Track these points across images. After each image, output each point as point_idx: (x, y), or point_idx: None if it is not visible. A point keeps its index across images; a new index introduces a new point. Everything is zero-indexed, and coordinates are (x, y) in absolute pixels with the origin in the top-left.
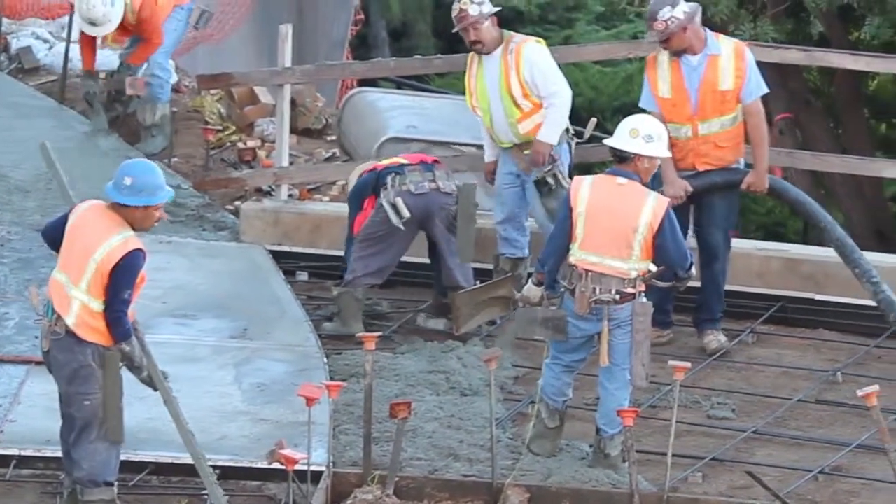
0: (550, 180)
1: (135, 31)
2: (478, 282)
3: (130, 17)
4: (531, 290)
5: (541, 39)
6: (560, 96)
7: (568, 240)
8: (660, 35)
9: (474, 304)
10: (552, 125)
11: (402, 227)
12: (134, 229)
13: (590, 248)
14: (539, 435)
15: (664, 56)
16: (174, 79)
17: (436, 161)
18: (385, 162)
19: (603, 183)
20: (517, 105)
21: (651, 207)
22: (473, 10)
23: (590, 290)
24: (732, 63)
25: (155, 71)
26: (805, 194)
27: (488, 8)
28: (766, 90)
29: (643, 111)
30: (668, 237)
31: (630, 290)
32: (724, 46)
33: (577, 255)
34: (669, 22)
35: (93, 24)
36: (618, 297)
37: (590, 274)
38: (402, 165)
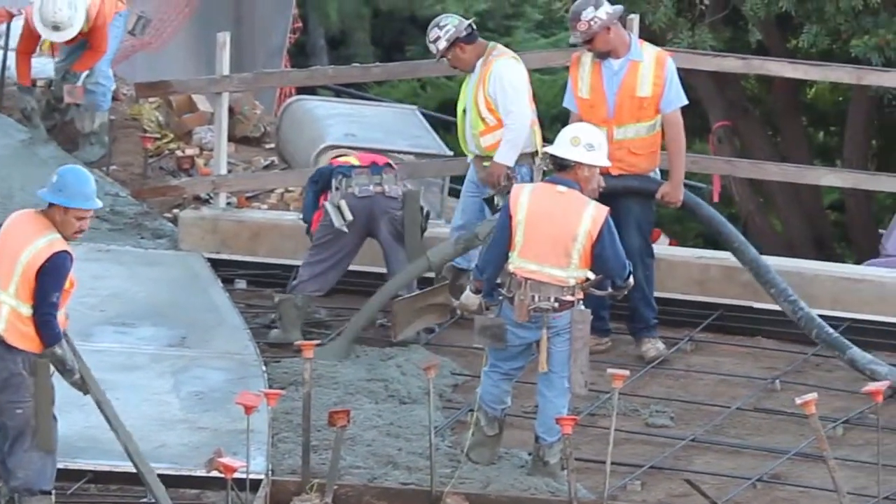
0: (499, 201)
1: (85, 39)
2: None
3: (84, 26)
4: (469, 298)
5: (517, 56)
6: (515, 117)
7: (507, 248)
8: (583, 35)
9: (412, 311)
10: (507, 146)
11: (346, 230)
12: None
13: (529, 256)
14: (478, 443)
15: (587, 57)
16: (113, 87)
17: (388, 164)
18: (340, 159)
19: (543, 191)
20: (482, 118)
21: (591, 216)
22: (439, 44)
23: (529, 297)
24: (652, 71)
25: (99, 79)
26: (717, 213)
27: (454, 33)
28: (685, 101)
29: (569, 114)
30: (608, 246)
31: (569, 298)
32: (647, 54)
33: (516, 263)
34: (592, 22)
35: (56, 28)
36: (556, 304)
37: (529, 282)
38: (353, 167)
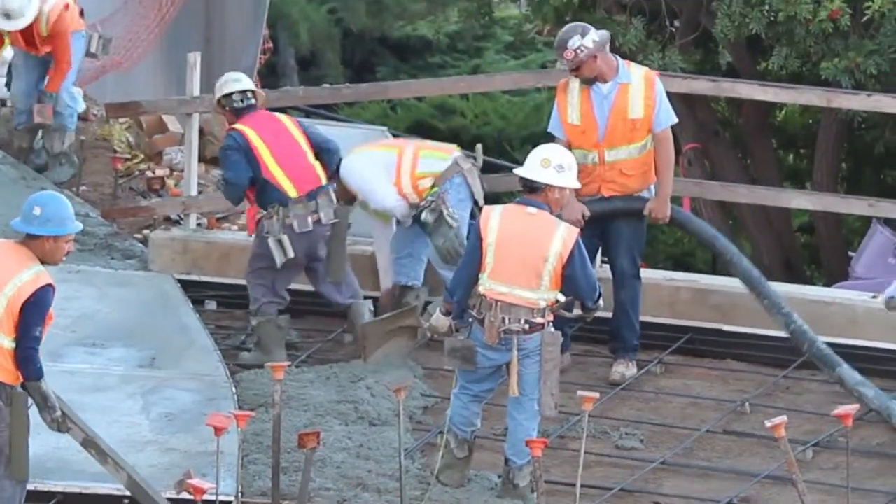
0: (426, 217)
1: (45, 46)
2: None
3: (43, 27)
4: (439, 320)
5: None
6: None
7: (477, 269)
8: (569, 64)
9: (381, 333)
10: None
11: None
12: (43, 263)
13: (499, 278)
14: (448, 465)
15: (575, 83)
16: (82, 107)
17: (321, 188)
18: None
19: (513, 213)
20: None
21: (561, 237)
22: None
23: (499, 319)
24: (642, 92)
25: (66, 100)
26: (709, 226)
27: None
28: (675, 119)
29: (553, 139)
30: (578, 267)
31: (539, 320)
32: (635, 75)
33: (486, 285)
34: (579, 51)
35: (7, 16)
36: (527, 326)
37: (499, 303)
38: (288, 197)
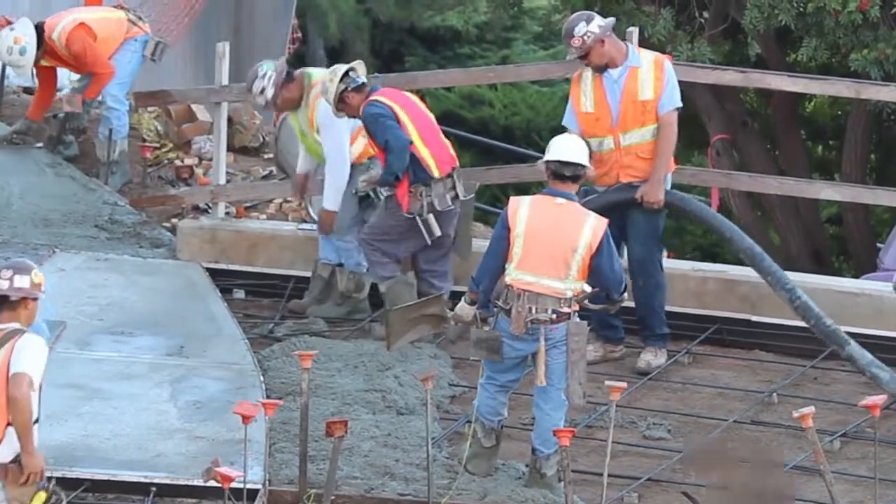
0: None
1: (77, 65)
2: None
3: (64, 52)
4: (464, 310)
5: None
6: (328, 167)
7: (503, 260)
8: (578, 51)
9: (406, 321)
10: (328, 190)
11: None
12: None
13: (527, 268)
14: (475, 454)
15: (588, 73)
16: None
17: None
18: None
19: (542, 203)
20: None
21: (591, 227)
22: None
23: (526, 309)
24: (652, 73)
25: (109, 102)
26: (706, 206)
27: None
28: (679, 104)
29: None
30: (606, 258)
31: (566, 310)
32: (644, 58)
33: (513, 275)
34: (586, 37)
35: (9, 65)
36: (554, 316)
37: (526, 293)
38: (430, 176)
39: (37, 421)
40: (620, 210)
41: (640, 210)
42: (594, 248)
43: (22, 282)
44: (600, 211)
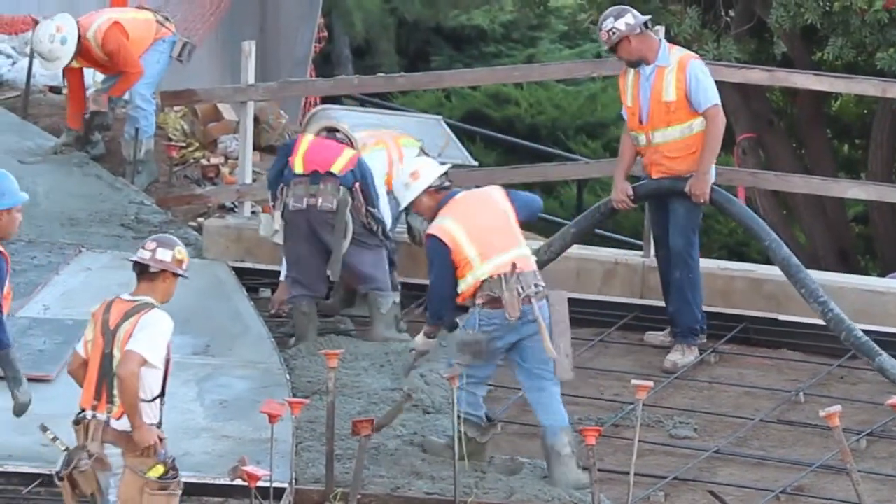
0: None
1: (110, 65)
2: None
3: (98, 52)
4: (427, 344)
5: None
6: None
7: (455, 281)
8: (605, 45)
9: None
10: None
11: (278, 242)
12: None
13: (492, 254)
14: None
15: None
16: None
17: (329, 173)
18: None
19: (454, 205)
20: None
21: (500, 193)
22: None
23: (515, 289)
24: (674, 75)
25: (137, 102)
26: (750, 210)
27: None
28: (714, 100)
29: (616, 126)
30: (518, 199)
31: (543, 283)
32: (673, 58)
33: (486, 268)
34: (611, 33)
35: (43, 58)
36: (539, 289)
37: (505, 275)
38: (295, 174)
39: (159, 397)
40: (665, 200)
41: (683, 203)
42: (513, 206)
43: (164, 255)
44: (647, 196)
